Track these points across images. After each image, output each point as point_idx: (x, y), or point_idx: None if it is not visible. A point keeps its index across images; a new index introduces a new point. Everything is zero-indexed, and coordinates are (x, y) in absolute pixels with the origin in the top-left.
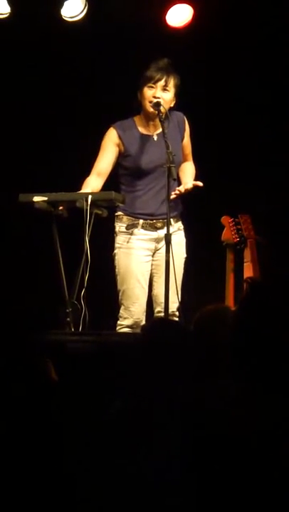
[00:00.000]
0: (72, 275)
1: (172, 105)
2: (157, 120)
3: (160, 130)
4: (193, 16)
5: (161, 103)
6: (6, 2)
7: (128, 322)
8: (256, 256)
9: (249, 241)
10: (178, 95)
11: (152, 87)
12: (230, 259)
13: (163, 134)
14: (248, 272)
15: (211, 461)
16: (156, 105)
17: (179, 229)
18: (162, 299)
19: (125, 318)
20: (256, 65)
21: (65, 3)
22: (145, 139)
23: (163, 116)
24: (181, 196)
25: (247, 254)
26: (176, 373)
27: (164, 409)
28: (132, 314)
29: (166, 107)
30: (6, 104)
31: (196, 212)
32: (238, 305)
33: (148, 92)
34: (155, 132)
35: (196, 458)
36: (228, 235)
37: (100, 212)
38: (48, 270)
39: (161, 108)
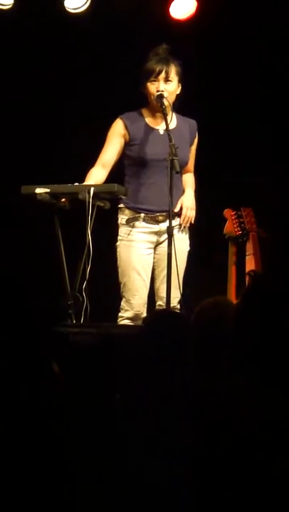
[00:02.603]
0: (74, 267)
1: (178, 92)
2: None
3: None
4: (196, 8)
5: (165, 95)
6: None
7: (129, 314)
8: (258, 249)
9: (251, 234)
10: (182, 81)
11: (154, 81)
12: (233, 252)
13: (166, 127)
14: (250, 265)
15: (213, 454)
16: (160, 97)
17: (179, 223)
18: (163, 293)
19: (126, 310)
20: (260, 57)
21: None
22: (151, 131)
23: (166, 109)
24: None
25: (249, 248)
26: (178, 365)
27: (165, 402)
28: (132, 306)
29: (172, 97)
30: (8, 96)
31: (198, 205)
32: (240, 298)
33: (151, 88)
34: (162, 127)
35: (198, 451)
36: (230, 228)
37: (102, 204)
38: (50, 262)
39: (164, 100)
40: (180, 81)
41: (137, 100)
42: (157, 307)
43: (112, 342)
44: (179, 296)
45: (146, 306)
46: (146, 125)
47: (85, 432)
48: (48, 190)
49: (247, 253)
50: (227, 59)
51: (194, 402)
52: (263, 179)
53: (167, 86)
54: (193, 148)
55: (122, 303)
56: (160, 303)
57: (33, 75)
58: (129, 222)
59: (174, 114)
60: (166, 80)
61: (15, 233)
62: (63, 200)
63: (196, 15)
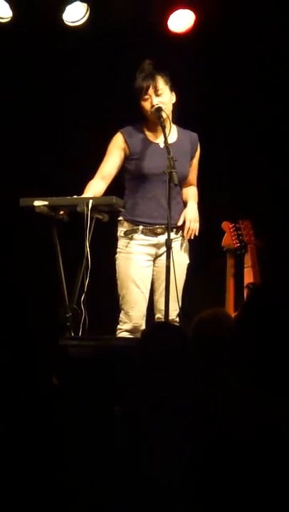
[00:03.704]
0: (73, 280)
1: (174, 101)
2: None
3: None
4: (194, 21)
5: (163, 108)
6: (8, 6)
7: (127, 327)
8: (257, 261)
9: (249, 246)
10: (175, 89)
11: (146, 98)
12: (231, 265)
13: (164, 140)
14: (248, 277)
15: (213, 464)
16: (157, 111)
17: (180, 235)
18: (162, 306)
19: (124, 322)
20: (258, 70)
21: (67, 8)
22: (151, 145)
23: (164, 122)
24: (185, 205)
25: (247, 260)
26: (177, 378)
27: (165, 414)
28: (131, 319)
29: (169, 106)
30: (7, 108)
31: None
32: (239, 310)
33: (145, 105)
34: (162, 141)
35: (197, 462)
36: (228, 240)
37: (100, 217)
38: (49, 275)
39: (162, 113)
40: (172, 90)
41: (135, 112)
42: (156, 320)
43: (111, 354)
44: (177, 309)
45: (145, 318)
46: (146, 139)
47: (85, 445)
48: (47, 203)
49: (245, 265)
50: (225, 71)
51: (194, 412)
52: (261, 190)
53: (160, 98)
54: (195, 161)
55: (120, 315)
56: (159, 315)
57: (31, 86)
58: (128, 234)
59: (175, 127)
60: (156, 93)
61: (13, 245)
62: (62, 212)
63: (194, 28)
